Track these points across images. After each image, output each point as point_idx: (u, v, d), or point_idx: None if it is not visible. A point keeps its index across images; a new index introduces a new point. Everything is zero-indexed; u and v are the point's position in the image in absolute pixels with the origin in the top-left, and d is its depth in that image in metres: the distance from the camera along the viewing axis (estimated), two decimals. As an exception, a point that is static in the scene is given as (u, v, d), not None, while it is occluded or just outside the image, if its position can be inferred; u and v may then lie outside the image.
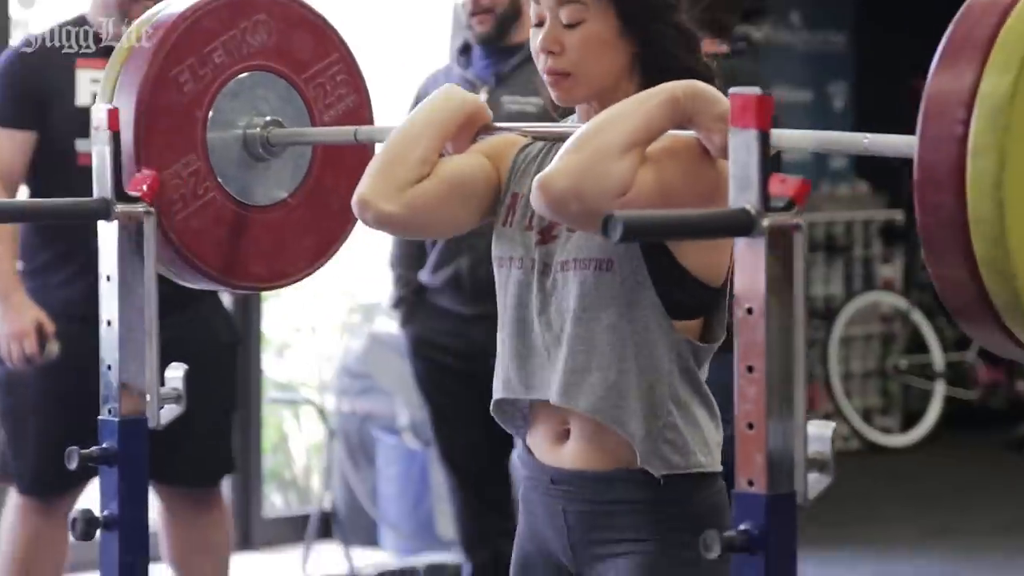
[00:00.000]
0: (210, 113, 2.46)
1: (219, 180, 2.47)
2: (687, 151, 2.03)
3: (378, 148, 2.26)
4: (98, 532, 2.47)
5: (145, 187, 2.41)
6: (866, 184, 8.57)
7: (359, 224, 2.45)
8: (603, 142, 1.97)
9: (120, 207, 2.42)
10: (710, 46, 3.68)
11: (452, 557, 5.26)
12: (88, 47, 3.94)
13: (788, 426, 1.76)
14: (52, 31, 4.04)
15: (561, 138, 2.14)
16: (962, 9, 1.76)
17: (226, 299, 4.37)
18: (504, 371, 2.28)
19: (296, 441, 6.27)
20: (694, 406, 2.10)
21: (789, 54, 8.34)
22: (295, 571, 5.74)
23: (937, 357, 7.98)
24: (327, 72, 2.57)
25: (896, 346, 8.21)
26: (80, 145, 3.89)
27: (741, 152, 1.73)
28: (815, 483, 1.76)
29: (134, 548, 2.53)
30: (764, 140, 1.71)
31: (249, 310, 5.24)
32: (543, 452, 2.28)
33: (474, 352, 4.14)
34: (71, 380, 3.94)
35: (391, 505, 5.98)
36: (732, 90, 1.77)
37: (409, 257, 4.28)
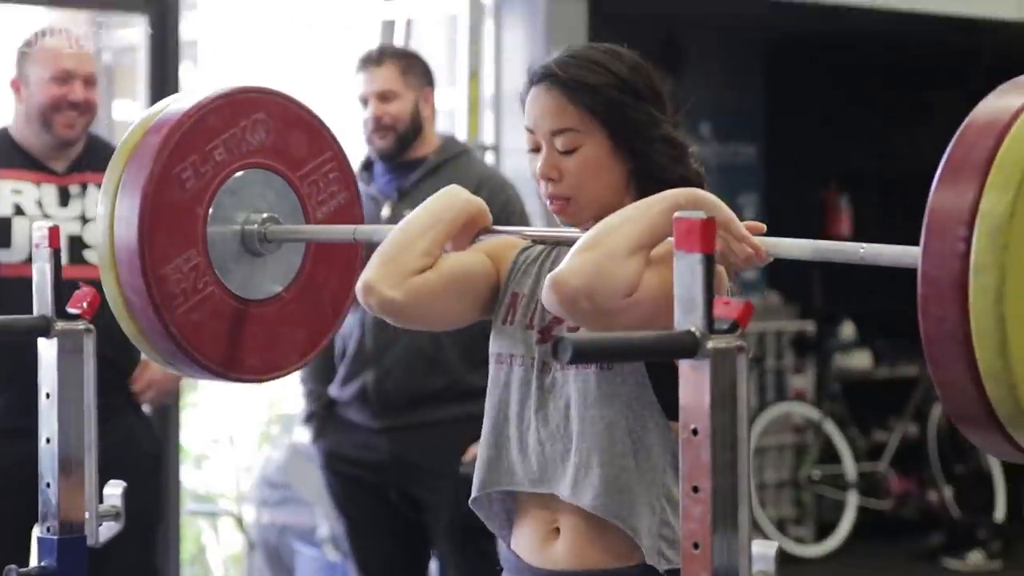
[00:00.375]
0: (210, 209, 2.52)
1: (218, 275, 2.53)
2: None
3: (389, 236, 2.33)
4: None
5: (85, 304, 2.44)
6: (777, 295, 8.63)
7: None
8: (611, 244, 2.03)
9: (60, 324, 2.45)
10: None
11: None
12: (9, 159, 4.00)
13: (733, 545, 1.77)
14: None
15: (559, 242, 2.24)
16: (960, 130, 1.82)
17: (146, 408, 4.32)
18: (502, 458, 2.31)
19: (214, 553, 6.20)
20: (661, 498, 2.15)
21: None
22: None
23: (849, 467, 8.02)
24: (320, 170, 2.65)
25: (809, 456, 8.24)
26: (1, 255, 3.92)
27: (686, 275, 1.75)
28: None
29: None
30: (709, 263, 1.73)
31: (167, 421, 5.18)
32: (531, 553, 2.30)
33: (383, 465, 4.21)
34: None
35: None
36: (676, 214, 1.80)
37: (319, 371, 4.25)
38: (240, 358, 2.61)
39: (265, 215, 2.58)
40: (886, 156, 8.83)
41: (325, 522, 5.84)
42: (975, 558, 7.53)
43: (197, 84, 6.43)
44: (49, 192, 4.00)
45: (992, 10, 7.96)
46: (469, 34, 6.10)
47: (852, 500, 7.96)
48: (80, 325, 2.47)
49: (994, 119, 1.81)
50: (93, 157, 4.08)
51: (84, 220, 4.02)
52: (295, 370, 2.78)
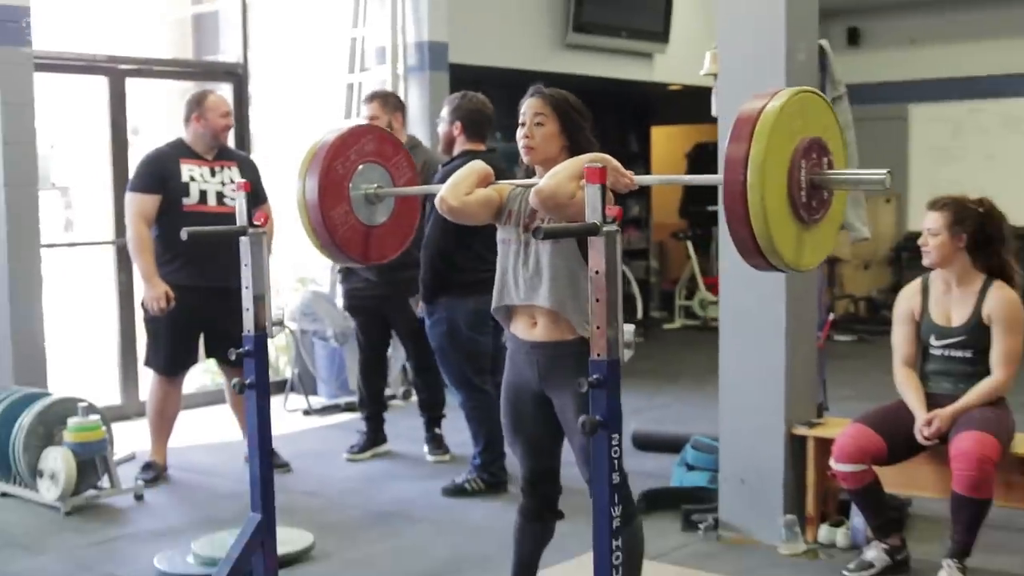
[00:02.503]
0: (350, 183, 3.71)
1: (356, 215, 3.74)
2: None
3: (450, 178, 3.60)
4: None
5: (261, 221, 3.74)
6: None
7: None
8: (562, 175, 3.22)
9: (251, 231, 3.76)
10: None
11: (355, 398, 7.24)
12: (185, 153, 6.05)
13: (615, 327, 2.84)
14: (169, 144, 6.06)
15: (530, 186, 3.37)
16: (735, 118, 2.75)
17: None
18: (506, 289, 3.62)
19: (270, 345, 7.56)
20: (585, 304, 3.10)
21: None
22: (279, 408, 7.89)
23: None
24: (397, 161, 3.84)
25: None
26: (184, 202, 5.96)
27: (592, 195, 2.83)
28: (627, 354, 2.88)
29: (264, 396, 3.83)
30: (603, 190, 2.82)
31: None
32: (523, 333, 3.66)
33: (378, 296, 6.44)
34: (179, 317, 5.96)
35: (324, 373, 8.28)
36: (586, 164, 2.85)
37: None
38: (367, 253, 3.81)
39: (376, 184, 3.77)
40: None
41: (331, 328, 8.00)
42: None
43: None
44: (205, 170, 6.03)
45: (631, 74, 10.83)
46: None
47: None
48: (260, 231, 3.76)
49: (749, 111, 2.74)
50: (225, 153, 6.21)
51: (223, 184, 6.04)
52: (394, 257, 3.95)
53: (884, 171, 2.81)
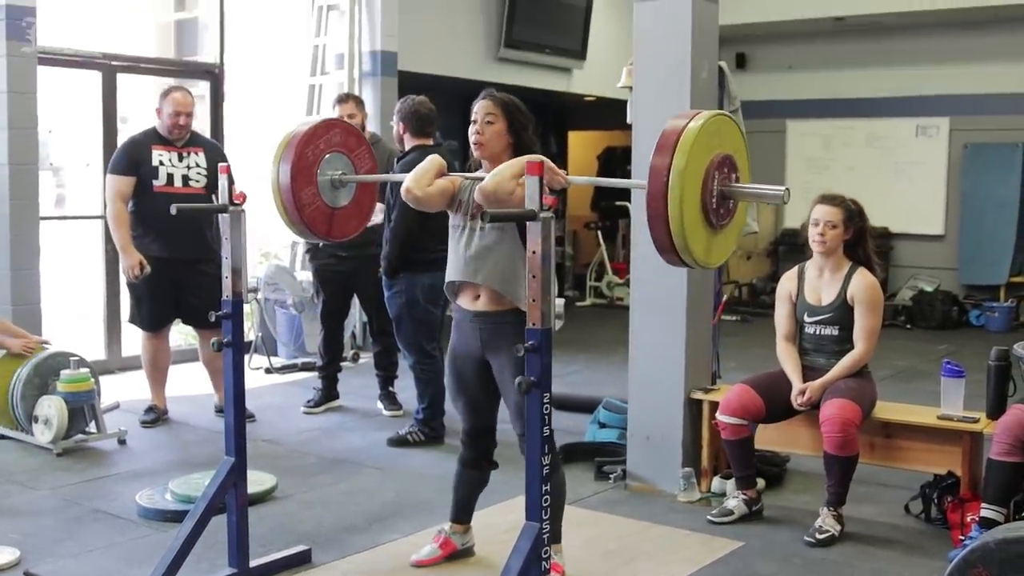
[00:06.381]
0: (318, 169, 3.67)
1: (322, 197, 3.69)
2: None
3: (414, 171, 3.60)
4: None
5: (240, 200, 3.64)
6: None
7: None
8: (504, 175, 3.27)
9: (232, 208, 3.65)
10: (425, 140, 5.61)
11: (314, 359, 7.19)
12: (156, 141, 5.85)
13: (548, 300, 2.81)
14: (143, 132, 5.92)
15: (476, 179, 3.39)
16: (660, 135, 2.69)
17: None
18: (454, 269, 3.63)
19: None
20: (523, 280, 3.25)
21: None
22: (244, 367, 7.32)
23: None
24: (360, 152, 3.80)
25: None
26: (154, 183, 5.79)
27: (532, 186, 2.79)
28: (557, 324, 2.92)
29: (239, 354, 3.74)
30: (541, 182, 2.77)
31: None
32: (467, 305, 3.59)
33: (344, 272, 6.40)
34: (156, 282, 5.87)
35: (284, 336, 8.12)
36: (527, 160, 2.80)
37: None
38: (330, 231, 3.73)
39: (340, 171, 3.71)
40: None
41: (291, 297, 7.88)
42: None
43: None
44: (174, 155, 5.90)
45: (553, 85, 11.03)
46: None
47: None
48: (240, 209, 3.66)
49: (674, 127, 2.70)
50: (195, 140, 6.01)
51: (188, 168, 5.90)
52: (353, 236, 3.86)
53: (783, 187, 2.79)
